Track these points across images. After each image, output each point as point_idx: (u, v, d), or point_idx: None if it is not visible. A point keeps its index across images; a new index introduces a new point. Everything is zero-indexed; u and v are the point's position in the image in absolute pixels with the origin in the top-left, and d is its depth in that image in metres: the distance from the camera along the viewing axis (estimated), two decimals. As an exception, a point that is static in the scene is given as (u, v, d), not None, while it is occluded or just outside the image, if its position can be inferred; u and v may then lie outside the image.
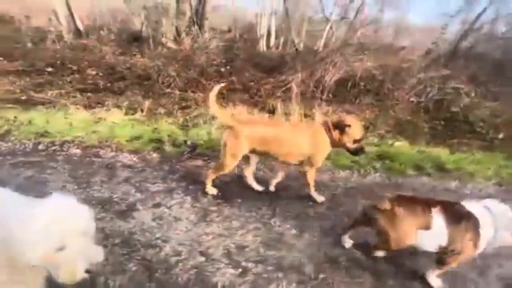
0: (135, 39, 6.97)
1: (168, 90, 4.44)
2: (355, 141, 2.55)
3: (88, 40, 6.51)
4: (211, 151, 3.44)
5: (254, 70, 6.19)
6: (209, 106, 2.51)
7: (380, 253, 2.16)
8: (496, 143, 3.99)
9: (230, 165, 2.59)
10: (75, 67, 4.75)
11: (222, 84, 2.68)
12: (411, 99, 5.44)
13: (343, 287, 1.96)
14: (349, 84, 5.56)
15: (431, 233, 1.83)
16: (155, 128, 3.71)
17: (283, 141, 2.55)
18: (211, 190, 2.75)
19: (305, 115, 4.91)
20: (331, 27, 7.68)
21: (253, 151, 2.61)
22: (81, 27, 6.88)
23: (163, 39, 6.46)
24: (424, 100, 5.27)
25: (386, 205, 1.86)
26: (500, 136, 3.91)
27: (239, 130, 2.48)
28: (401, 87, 5.60)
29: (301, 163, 2.67)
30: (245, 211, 2.59)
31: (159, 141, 3.50)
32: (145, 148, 3.36)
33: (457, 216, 1.84)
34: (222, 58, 6.29)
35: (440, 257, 1.92)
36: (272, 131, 2.58)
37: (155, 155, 3.30)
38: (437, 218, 1.83)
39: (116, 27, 7.41)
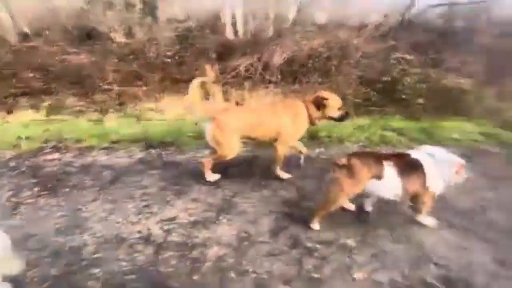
0: (88, 37, 6.85)
1: (106, 86, 4.44)
2: (338, 109, 2.74)
3: (36, 41, 6.36)
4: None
5: (207, 58, 6.21)
6: (189, 99, 2.55)
7: (316, 226, 2.29)
8: (417, 108, 4.22)
9: (231, 150, 2.67)
10: (11, 71, 4.69)
11: (204, 79, 2.87)
12: (358, 73, 5.57)
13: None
14: (297, 64, 5.62)
15: (384, 183, 2.09)
16: (47, 129, 3.77)
17: (267, 125, 2.66)
18: (213, 177, 2.83)
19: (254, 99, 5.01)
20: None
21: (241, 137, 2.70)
22: (27, 29, 6.70)
23: (112, 34, 6.36)
24: (369, 73, 5.41)
25: (344, 160, 2.09)
26: (420, 101, 4.10)
27: (223, 121, 2.55)
28: (348, 62, 5.73)
29: (275, 140, 2.77)
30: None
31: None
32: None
33: (407, 165, 2.13)
34: (176, 48, 6.27)
35: (411, 206, 2.28)
36: (256, 117, 2.69)
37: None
38: (389, 170, 2.09)
39: (70, 25, 7.23)
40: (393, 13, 6.96)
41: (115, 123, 3.92)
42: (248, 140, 2.90)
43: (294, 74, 5.65)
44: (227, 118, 2.57)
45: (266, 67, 5.67)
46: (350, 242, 2.19)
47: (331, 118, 2.77)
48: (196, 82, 2.56)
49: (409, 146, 3.43)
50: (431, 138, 3.78)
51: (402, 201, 2.25)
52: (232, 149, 2.65)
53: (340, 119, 2.79)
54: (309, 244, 2.17)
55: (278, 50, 5.69)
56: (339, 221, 2.35)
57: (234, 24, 7.17)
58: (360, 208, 2.49)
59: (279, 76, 5.56)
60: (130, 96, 4.31)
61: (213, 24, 8.02)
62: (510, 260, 2.06)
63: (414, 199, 2.23)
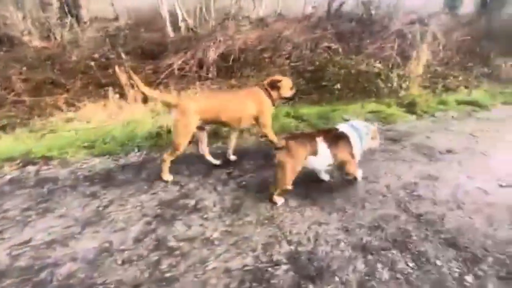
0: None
1: (15, 97, 3.96)
2: (290, 89, 3.07)
3: None
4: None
5: (140, 58, 5.95)
6: (146, 93, 2.64)
7: (279, 200, 2.50)
8: (337, 94, 4.64)
9: (184, 142, 2.70)
10: None
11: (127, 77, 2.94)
12: (291, 64, 5.83)
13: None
14: (232, 58, 5.68)
15: (319, 157, 2.40)
16: None
17: (230, 108, 2.82)
18: (168, 177, 2.84)
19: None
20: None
21: (205, 122, 2.81)
22: None
23: (25, 38, 5.71)
24: (300, 63, 5.69)
25: (282, 143, 2.33)
26: (338, 86, 4.50)
27: (185, 106, 2.62)
28: (280, 54, 5.97)
29: (256, 126, 3.02)
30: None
31: None
32: None
33: (335, 138, 2.47)
34: (104, 50, 5.87)
35: (338, 167, 2.66)
36: (217, 101, 2.88)
37: None
38: (321, 145, 2.40)
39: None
40: (323, 3, 7.37)
41: (10, 140, 3.49)
42: (222, 126, 3.15)
43: (230, 69, 5.71)
44: (191, 104, 2.66)
45: (201, 63, 5.64)
46: (215, 234, 2.23)
47: (284, 97, 3.10)
48: (138, 80, 2.62)
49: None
50: (328, 122, 4.10)
51: (332, 168, 2.61)
52: (185, 137, 2.70)
53: (292, 98, 3.22)
54: (173, 244, 2.16)
55: (212, 46, 5.68)
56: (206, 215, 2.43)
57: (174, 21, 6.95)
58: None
59: (215, 72, 5.57)
60: (45, 107, 3.92)
61: (150, 21, 7.67)
62: (353, 226, 2.29)
63: (342, 165, 2.59)
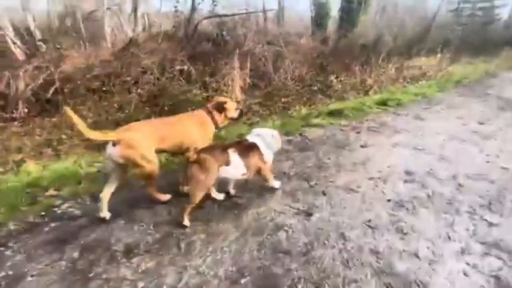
0: None
1: None
2: (235, 110, 3.10)
3: None
4: None
5: None
6: (85, 134, 2.29)
7: (187, 222, 2.39)
8: None
9: (151, 169, 2.52)
10: None
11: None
12: (138, 91, 5.11)
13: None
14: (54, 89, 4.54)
15: (231, 167, 2.49)
16: None
17: (175, 136, 2.70)
18: (164, 197, 2.72)
19: None
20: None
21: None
22: None
23: None
24: (146, 89, 5.04)
25: (194, 156, 2.33)
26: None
27: (132, 139, 2.42)
28: (125, 80, 5.18)
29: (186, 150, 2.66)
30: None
31: None
32: None
33: (245, 148, 2.59)
34: None
35: (262, 178, 2.80)
36: (163, 130, 2.69)
37: None
38: (233, 156, 2.50)
39: None
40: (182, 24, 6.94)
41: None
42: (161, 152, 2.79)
43: (53, 103, 4.55)
44: (135, 135, 2.45)
45: (5, 99, 4.30)
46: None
47: (231, 118, 3.09)
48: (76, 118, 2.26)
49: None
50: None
51: (249, 177, 2.69)
52: (155, 163, 2.55)
53: (239, 116, 3.17)
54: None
55: (22, 76, 4.41)
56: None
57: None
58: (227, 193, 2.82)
59: (26, 110, 4.31)
60: None
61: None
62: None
63: (258, 173, 2.72)
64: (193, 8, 6.85)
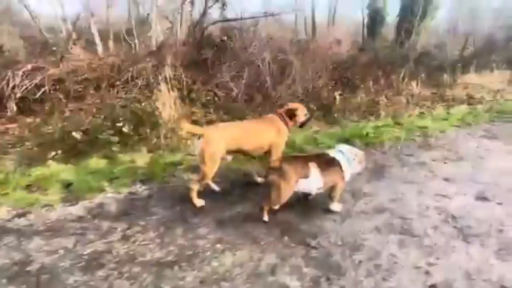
0: None
1: None
2: (304, 115, 3.15)
3: None
4: None
5: None
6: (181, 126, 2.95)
7: (266, 218, 2.50)
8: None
9: (212, 170, 2.66)
10: None
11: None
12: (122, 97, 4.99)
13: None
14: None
15: (310, 180, 2.43)
16: None
17: (252, 137, 2.84)
18: (199, 202, 2.74)
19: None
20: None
21: (228, 151, 2.76)
22: None
23: None
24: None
25: (277, 164, 2.39)
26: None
27: (211, 136, 2.61)
28: (114, 84, 5.12)
29: (267, 153, 2.96)
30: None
31: None
32: None
33: (326, 163, 2.51)
34: None
35: (329, 195, 2.63)
36: (242, 131, 2.86)
37: None
38: (313, 169, 2.44)
39: None
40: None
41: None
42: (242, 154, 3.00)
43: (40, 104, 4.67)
44: (215, 133, 2.68)
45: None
46: None
47: (300, 124, 3.17)
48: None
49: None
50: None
51: (321, 192, 2.59)
52: (214, 165, 2.65)
53: (306, 121, 3.22)
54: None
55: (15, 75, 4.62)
56: None
57: None
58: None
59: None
60: None
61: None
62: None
63: (330, 190, 2.61)
64: (204, 13, 6.60)
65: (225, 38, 5.90)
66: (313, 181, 2.45)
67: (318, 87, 6.38)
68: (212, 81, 5.43)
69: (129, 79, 5.19)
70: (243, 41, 6.02)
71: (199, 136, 2.61)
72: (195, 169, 3.19)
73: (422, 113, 5.63)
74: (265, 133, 2.89)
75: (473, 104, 6.11)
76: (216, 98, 5.20)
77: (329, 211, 2.65)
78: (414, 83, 6.11)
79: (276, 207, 2.48)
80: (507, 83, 8.28)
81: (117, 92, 4.99)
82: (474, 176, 3.44)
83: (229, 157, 2.93)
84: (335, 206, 2.66)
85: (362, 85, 6.20)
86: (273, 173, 2.38)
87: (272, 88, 5.56)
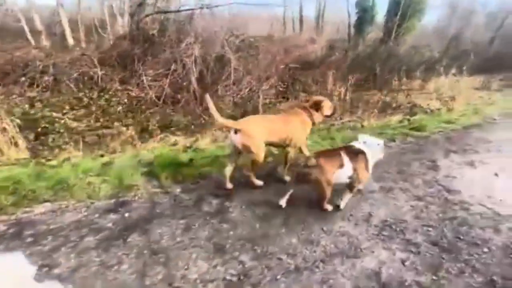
0: None
1: None
2: (329, 108, 3.16)
3: None
4: None
5: None
6: (216, 119, 2.65)
7: (329, 207, 2.64)
8: None
9: (262, 156, 2.80)
10: None
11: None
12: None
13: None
14: None
15: (343, 171, 2.51)
16: None
17: (283, 131, 2.90)
18: (259, 182, 2.98)
19: None
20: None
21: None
22: None
23: None
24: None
25: (313, 161, 2.42)
26: None
27: (250, 130, 2.70)
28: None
29: (286, 145, 3.00)
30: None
31: None
32: None
33: (353, 153, 2.58)
34: None
35: (349, 184, 2.62)
36: (272, 124, 2.90)
37: None
38: (345, 158, 2.52)
39: None
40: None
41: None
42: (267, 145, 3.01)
43: None
44: (252, 127, 2.75)
45: None
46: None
47: (326, 116, 3.17)
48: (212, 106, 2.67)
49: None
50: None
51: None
52: (262, 152, 2.80)
53: (332, 114, 3.23)
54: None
55: None
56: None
57: None
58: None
59: None
60: None
61: None
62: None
63: (357, 178, 2.57)
64: (140, 4, 5.98)
65: (155, 31, 5.28)
66: (345, 171, 2.52)
67: (260, 90, 5.79)
68: (132, 81, 4.85)
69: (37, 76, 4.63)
70: (178, 35, 5.41)
71: (236, 130, 2.70)
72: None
73: (332, 125, 4.70)
74: (289, 125, 2.96)
75: (415, 114, 5.23)
76: (135, 101, 4.59)
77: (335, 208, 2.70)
78: (343, 88, 5.38)
79: (328, 195, 2.54)
80: (480, 87, 7.59)
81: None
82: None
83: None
84: (342, 202, 2.73)
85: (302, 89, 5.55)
86: (312, 170, 2.42)
87: (207, 88, 4.96)
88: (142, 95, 4.71)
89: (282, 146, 3.03)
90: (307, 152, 3.14)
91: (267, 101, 5.62)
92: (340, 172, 2.51)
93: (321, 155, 2.52)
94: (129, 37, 5.72)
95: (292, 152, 3.05)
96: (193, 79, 4.81)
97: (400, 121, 4.84)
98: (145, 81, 4.73)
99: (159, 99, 4.79)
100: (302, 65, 7.32)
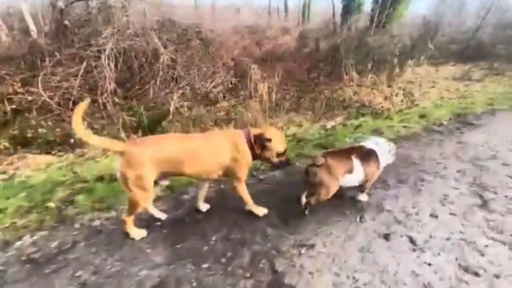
0: None
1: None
2: (278, 155, 2.33)
3: None
4: None
5: None
6: (76, 131, 1.78)
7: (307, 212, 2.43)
8: None
9: (146, 198, 2.02)
10: None
11: (87, 101, 1.88)
12: None
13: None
14: None
15: (353, 175, 2.39)
16: None
17: (198, 157, 2.10)
18: (138, 234, 2.18)
19: None
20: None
21: (163, 174, 2.08)
22: None
23: None
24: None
25: (321, 160, 2.27)
26: None
27: (136, 155, 1.91)
28: None
29: (225, 177, 2.28)
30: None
31: None
32: None
33: (366, 155, 2.47)
34: None
35: (361, 186, 2.57)
36: (183, 148, 2.07)
37: None
38: (356, 163, 2.40)
39: None
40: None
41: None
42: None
43: None
44: (141, 151, 1.93)
45: None
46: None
47: (268, 162, 2.39)
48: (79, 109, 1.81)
49: None
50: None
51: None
52: (149, 192, 2.00)
53: (278, 166, 2.42)
54: None
55: None
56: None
57: None
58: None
59: None
60: None
61: None
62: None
63: (366, 180, 2.51)
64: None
65: (67, 22, 4.48)
66: (356, 175, 2.42)
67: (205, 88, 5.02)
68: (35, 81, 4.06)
69: None
70: (97, 27, 4.61)
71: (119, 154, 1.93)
72: None
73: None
74: (218, 152, 2.16)
75: (357, 116, 4.39)
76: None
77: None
78: (264, 85, 4.53)
79: (319, 202, 2.37)
80: (459, 77, 6.85)
81: None
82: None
83: (165, 182, 2.31)
84: (362, 196, 2.67)
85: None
86: (317, 170, 2.29)
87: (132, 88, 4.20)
88: (39, 98, 3.91)
89: (200, 179, 2.26)
90: (244, 196, 2.34)
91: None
92: (349, 176, 2.40)
93: (330, 155, 2.39)
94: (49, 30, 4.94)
95: (240, 187, 2.28)
96: (108, 78, 4.04)
97: (318, 132, 4.02)
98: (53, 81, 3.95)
99: (57, 104, 4.00)
100: (270, 58, 6.57)
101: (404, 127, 4.23)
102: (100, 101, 4.11)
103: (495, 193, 2.73)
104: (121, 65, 4.43)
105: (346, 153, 2.45)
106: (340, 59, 6.70)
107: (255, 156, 2.29)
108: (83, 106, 1.81)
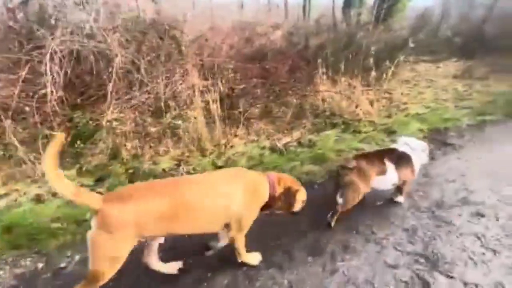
0: None
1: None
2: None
3: None
4: None
5: None
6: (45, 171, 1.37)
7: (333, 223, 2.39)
8: None
9: (110, 271, 1.58)
10: None
11: (61, 135, 1.45)
12: None
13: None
14: None
15: (386, 177, 2.42)
16: None
17: (198, 209, 1.68)
18: None
19: None
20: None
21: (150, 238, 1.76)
22: None
23: None
24: None
25: (353, 163, 2.32)
26: None
27: (114, 215, 1.50)
28: None
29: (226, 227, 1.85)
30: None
31: None
32: None
33: (398, 158, 2.48)
34: None
35: (398, 188, 2.61)
36: (175, 200, 1.62)
37: None
38: (389, 165, 2.43)
39: None
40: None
41: None
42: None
43: None
44: (121, 209, 1.52)
45: None
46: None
47: (291, 212, 2.13)
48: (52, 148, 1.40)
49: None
50: None
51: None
52: (118, 265, 1.58)
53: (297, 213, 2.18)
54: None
55: None
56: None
57: None
58: None
59: None
60: None
61: None
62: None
63: (402, 185, 2.58)
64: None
65: (13, 23, 4.09)
66: (389, 178, 2.42)
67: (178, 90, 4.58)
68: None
69: None
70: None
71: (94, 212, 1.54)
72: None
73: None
74: (227, 199, 1.77)
75: (334, 126, 3.76)
76: None
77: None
78: (209, 96, 3.97)
79: (350, 206, 2.35)
80: (460, 75, 6.21)
81: None
82: None
83: (160, 240, 1.94)
84: (401, 198, 2.66)
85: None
86: (348, 172, 2.28)
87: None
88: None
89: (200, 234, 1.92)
90: (241, 249, 1.99)
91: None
92: (381, 179, 2.40)
93: (362, 156, 2.41)
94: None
95: (240, 238, 1.93)
96: (51, 85, 3.64)
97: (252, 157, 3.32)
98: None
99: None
100: (256, 57, 6.06)
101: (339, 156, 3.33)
102: (44, 110, 3.73)
103: (450, 276, 1.94)
104: (70, 70, 4.03)
105: (378, 155, 2.48)
106: (326, 58, 6.16)
107: (270, 207, 2.00)
108: (58, 141, 1.40)
